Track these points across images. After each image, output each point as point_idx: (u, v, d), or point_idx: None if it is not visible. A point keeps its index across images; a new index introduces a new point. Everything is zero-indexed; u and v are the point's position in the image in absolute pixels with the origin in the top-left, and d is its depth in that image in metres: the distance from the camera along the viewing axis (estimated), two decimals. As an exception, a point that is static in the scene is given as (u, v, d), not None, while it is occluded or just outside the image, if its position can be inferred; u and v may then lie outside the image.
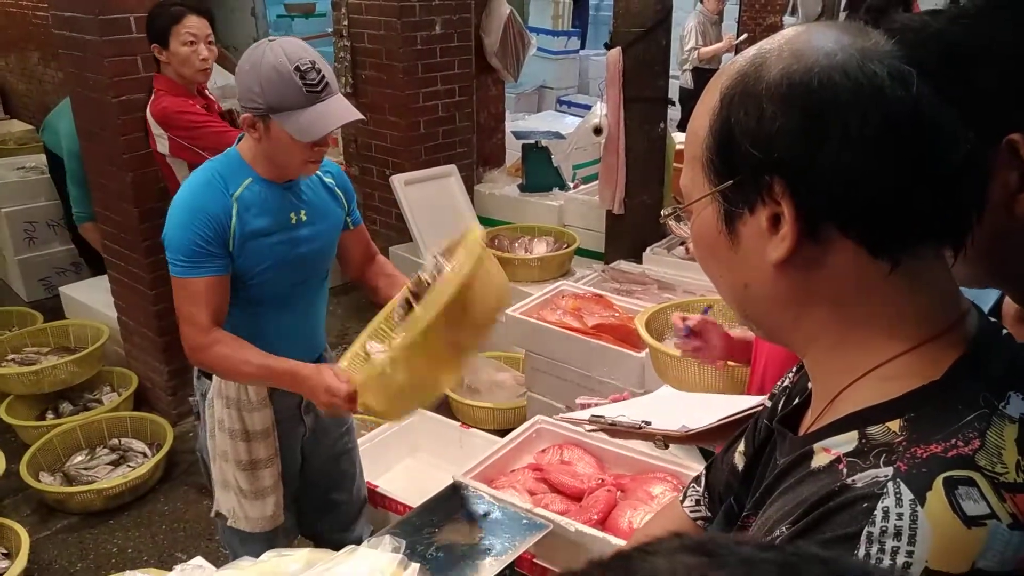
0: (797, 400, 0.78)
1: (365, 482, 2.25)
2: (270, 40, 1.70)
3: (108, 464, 3.14)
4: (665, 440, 1.28)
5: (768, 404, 0.86)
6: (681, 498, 1.01)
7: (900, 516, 0.53)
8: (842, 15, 5.16)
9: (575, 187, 4.33)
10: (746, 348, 1.72)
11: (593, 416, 1.36)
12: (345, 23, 4.11)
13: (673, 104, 3.55)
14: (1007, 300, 0.85)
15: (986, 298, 0.85)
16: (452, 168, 4.16)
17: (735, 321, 2.32)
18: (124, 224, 3.21)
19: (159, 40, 2.72)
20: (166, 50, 2.72)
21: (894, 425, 0.59)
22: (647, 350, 2.32)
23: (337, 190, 1.95)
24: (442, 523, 1.70)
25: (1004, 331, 0.67)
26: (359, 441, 2.38)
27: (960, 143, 0.58)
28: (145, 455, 3.19)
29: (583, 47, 9.06)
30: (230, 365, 1.74)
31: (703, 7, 6.47)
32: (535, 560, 1.78)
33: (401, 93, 4.02)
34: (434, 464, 2.63)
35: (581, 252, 3.77)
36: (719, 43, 6.45)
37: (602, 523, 1.82)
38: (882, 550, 0.53)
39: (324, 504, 2.14)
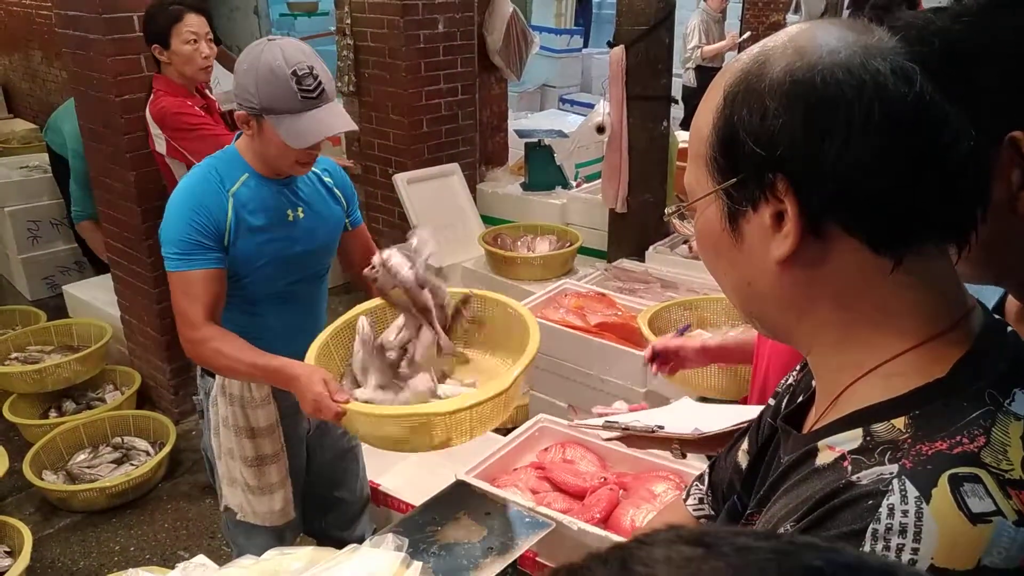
0: (801, 398, 0.78)
1: (368, 481, 2.25)
2: (270, 39, 1.69)
3: (111, 462, 3.14)
4: (681, 448, 1.28)
5: (772, 402, 0.86)
6: (684, 496, 1.01)
7: (905, 513, 0.53)
8: (845, 13, 5.14)
9: (578, 186, 4.32)
10: (737, 351, 1.73)
11: (607, 422, 1.36)
12: (348, 22, 4.11)
13: (676, 102, 3.54)
14: (1010, 298, 0.85)
15: (989, 295, 0.84)
16: (455, 167, 4.16)
17: (737, 320, 2.32)
18: (127, 223, 3.22)
19: (160, 40, 2.72)
20: (167, 50, 2.72)
21: (899, 422, 0.59)
22: (650, 349, 2.31)
23: (336, 190, 1.94)
24: (445, 521, 1.70)
25: (1009, 328, 0.66)
26: (361, 440, 2.39)
27: (963, 140, 0.58)
28: (148, 453, 3.20)
29: (586, 45, 9.06)
30: (223, 361, 1.73)
31: (706, 5, 6.47)
32: (537, 559, 1.78)
33: (404, 92, 4.02)
34: (436, 462, 2.62)
35: (584, 251, 3.77)
36: (722, 41, 6.45)
37: (604, 522, 1.82)
38: (887, 547, 0.53)
39: (327, 501, 2.15)
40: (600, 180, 3.65)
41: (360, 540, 1.46)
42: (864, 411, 0.61)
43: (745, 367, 1.96)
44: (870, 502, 0.55)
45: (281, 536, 1.98)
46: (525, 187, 4.33)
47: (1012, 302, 0.85)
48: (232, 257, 1.75)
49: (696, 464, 1.95)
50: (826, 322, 0.65)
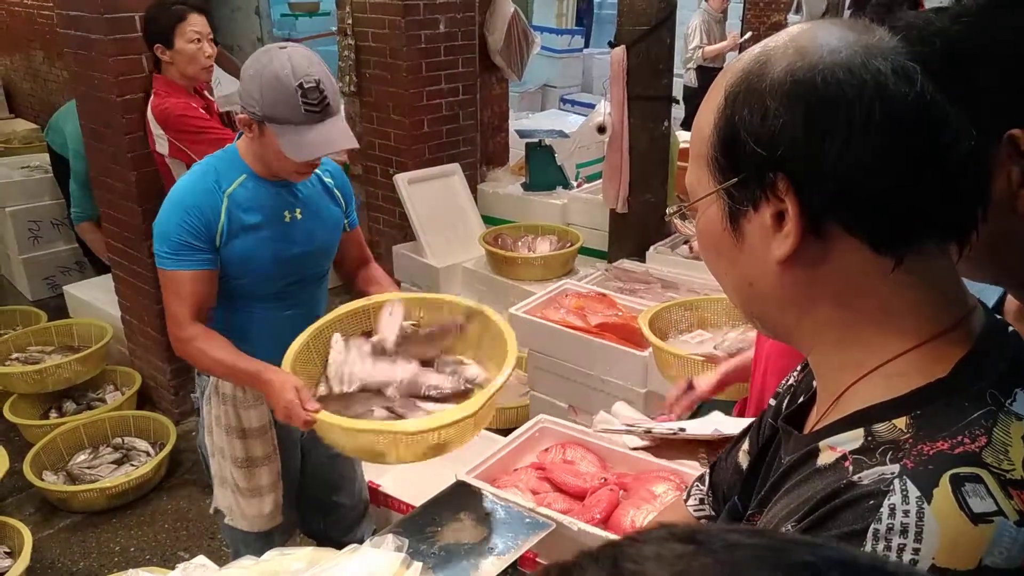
0: (802, 398, 0.78)
1: (367, 484, 2.24)
2: (281, 47, 1.68)
3: (111, 463, 3.14)
4: (707, 455, 1.28)
5: (773, 402, 0.86)
6: (685, 497, 1.01)
7: (907, 513, 0.53)
8: (846, 13, 5.14)
9: (579, 186, 4.32)
10: (742, 371, 1.75)
11: (628, 425, 1.37)
12: (349, 22, 4.11)
13: (677, 102, 3.53)
14: (1009, 297, 0.85)
15: (989, 294, 0.84)
16: (456, 167, 4.16)
17: (738, 320, 2.32)
18: (128, 223, 3.22)
19: (163, 39, 2.72)
20: (170, 49, 2.72)
21: (900, 422, 0.59)
22: (650, 349, 2.31)
23: (336, 191, 1.93)
24: (445, 522, 1.69)
25: (1010, 328, 0.66)
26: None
27: (964, 139, 0.58)
28: (148, 454, 3.20)
29: (587, 46, 9.06)
30: (204, 360, 1.75)
31: (707, 5, 6.46)
32: (538, 559, 1.77)
33: (405, 92, 4.02)
34: (436, 463, 2.62)
35: (584, 251, 3.77)
36: (723, 42, 6.44)
37: (605, 522, 1.81)
38: (888, 547, 0.53)
39: (325, 505, 2.14)
40: (601, 180, 3.64)
41: (360, 542, 1.46)
42: (865, 411, 0.61)
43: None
44: (871, 502, 0.55)
45: (270, 539, 1.98)
46: (526, 187, 4.32)
47: (1011, 301, 0.85)
48: (227, 257, 1.75)
49: (697, 465, 1.95)
50: (827, 322, 0.64)
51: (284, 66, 1.62)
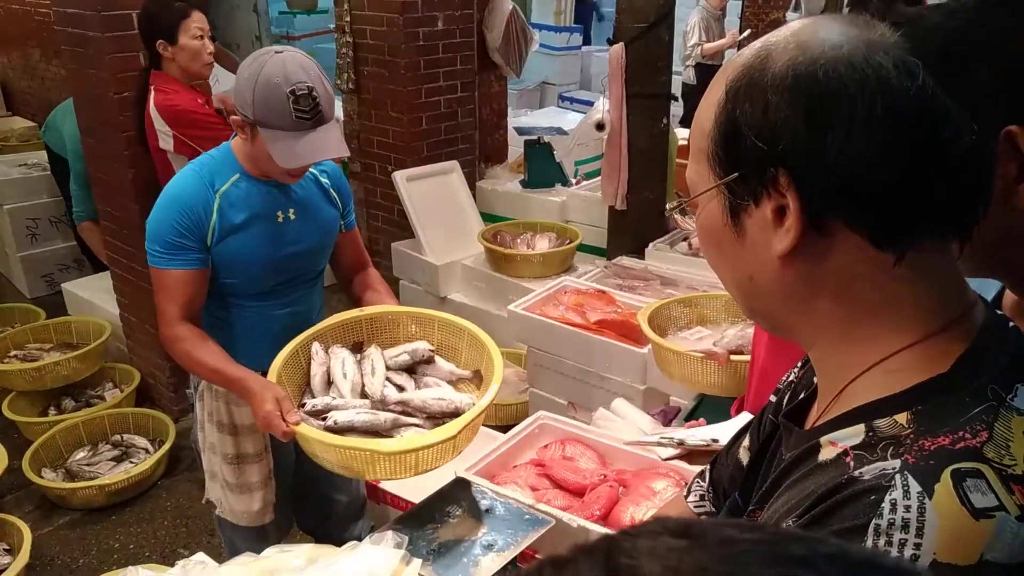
0: (803, 395, 0.78)
1: (364, 483, 2.24)
2: (277, 51, 1.67)
3: (110, 460, 3.14)
4: None
5: (773, 399, 0.86)
6: (685, 493, 1.01)
7: (908, 508, 0.53)
8: (845, 11, 5.14)
9: (577, 183, 4.32)
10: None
11: (662, 438, 1.37)
12: (347, 19, 4.11)
13: (676, 100, 3.53)
14: (1007, 292, 0.85)
15: (988, 289, 0.84)
16: (454, 164, 4.16)
17: (737, 317, 2.32)
18: (125, 220, 3.21)
19: (166, 35, 2.71)
20: (173, 45, 2.72)
21: (901, 418, 0.59)
22: (650, 346, 2.31)
23: (332, 191, 1.92)
24: (444, 519, 1.69)
25: (1011, 323, 0.66)
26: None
27: (965, 134, 0.58)
28: (147, 451, 3.20)
29: (587, 43, 9.05)
30: (189, 362, 1.75)
31: (706, 3, 6.46)
32: (537, 556, 1.77)
33: (403, 89, 4.01)
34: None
35: (583, 248, 3.77)
36: (722, 39, 6.44)
37: (604, 519, 1.81)
38: (890, 542, 0.53)
39: (322, 503, 2.14)
40: (600, 177, 3.64)
41: (359, 539, 1.46)
42: (866, 407, 0.61)
43: (744, 365, 1.96)
44: (872, 497, 0.55)
45: (264, 535, 1.98)
46: (525, 184, 4.32)
47: (1009, 296, 0.85)
48: (218, 256, 1.75)
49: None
50: (828, 317, 0.64)
51: (277, 72, 1.61)
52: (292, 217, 1.82)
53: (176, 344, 1.74)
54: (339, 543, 1.44)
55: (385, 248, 4.18)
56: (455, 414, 1.69)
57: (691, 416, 2.30)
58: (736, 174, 0.63)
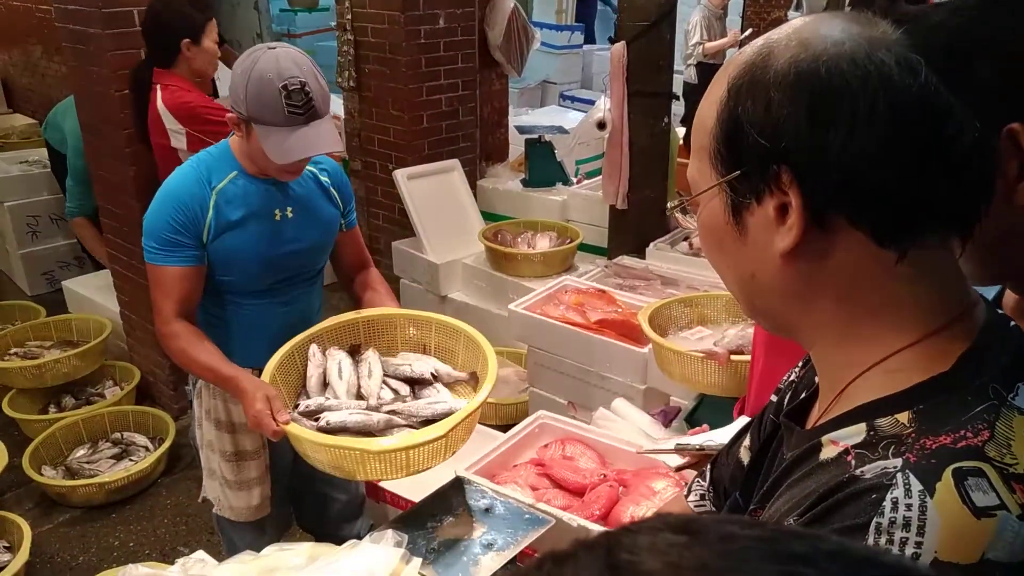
0: (804, 394, 0.77)
1: (364, 481, 2.24)
2: (270, 47, 1.67)
3: (110, 458, 3.14)
4: None
5: (774, 399, 0.86)
6: (686, 492, 1.01)
7: (909, 507, 0.53)
8: (847, 9, 5.13)
9: (578, 182, 4.32)
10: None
11: (679, 445, 1.36)
12: (348, 17, 4.11)
13: (677, 99, 3.53)
14: (1008, 291, 0.85)
15: (988, 289, 0.84)
16: (455, 163, 4.15)
17: (738, 317, 2.32)
18: (126, 218, 3.21)
19: (193, 35, 2.71)
20: (196, 46, 2.72)
21: (903, 417, 0.59)
22: (650, 345, 2.31)
23: (332, 189, 1.92)
24: (444, 518, 1.69)
25: (1012, 323, 0.66)
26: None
27: (967, 131, 0.58)
28: (147, 449, 3.20)
29: (592, 42, 9.04)
30: (184, 359, 1.75)
31: (708, 2, 6.45)
32: (537, 555, 1.77)
33: (404, 87, 4.01)
34: (436, 459, 2.62)
35: (584, 247, 3.76)
36: (724, 38, 6.44)
37: (604, 518, 1.81)
38: (891, 541, 0.52)
39: (320, 501, 2.14)
40: (601, 177, 3.64)
41: (359, 538, 1.46)
42: (868, 406, 0.61)
43: (744, 365, 1.96)
44: (874, 496, 0.54)
45: (262, 530, 1.98)
46: (525, 183, 4.32)
47: (1010, 295, 0.85)
48: (214, 253, 1.74)
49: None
50: (829, 316, 0.64)
51: (269, 68, 1.61)
52: (290, 215, 1.81)
53: (171, 341, 1.74)
54: (338, 541, 1.44)
55: (386, 247, 4.18)
56: (448, 416, 1.69)
57: (691, 416, 2.30)
58: (738, 172, 0.62)
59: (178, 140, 2.74)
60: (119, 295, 3.53)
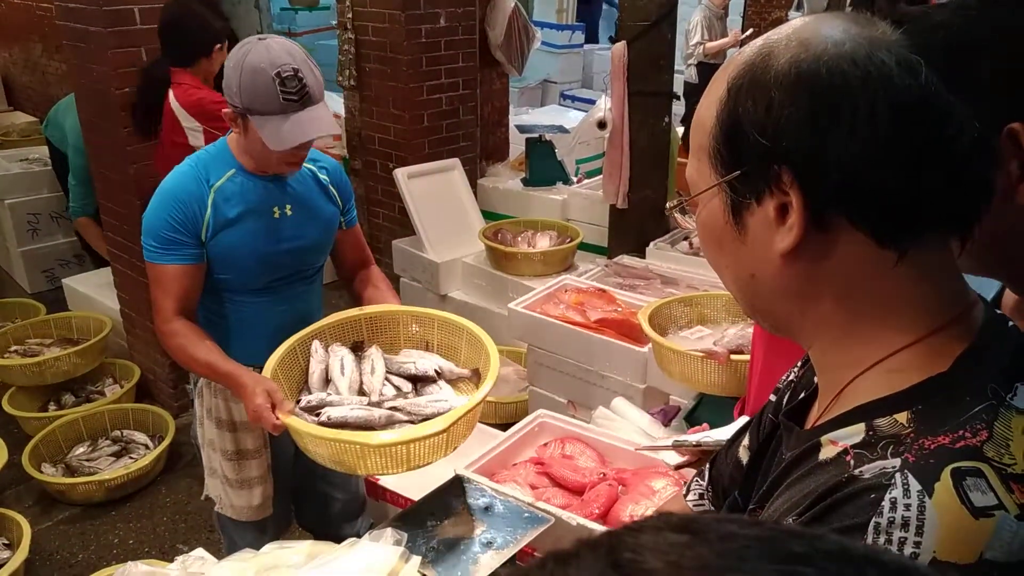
0: (803, 394, 0.78)
1: (363, 481, 2.24)
2: (260, 38, 1.67)
3: (110, 456, 3.14)
4: None
5: (773, 398, 0.86)
6: (685, 492, 1.01)
7: (908, 507, 0.53)
8: (847, 10, 5.13)
9: (579, 181, 4.32)
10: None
11: (676, 442, 1.36)
12: (349, 16, 4.11)
13: (678, 98, 3.53)
14: (1007, 291, 0.85)
15: (988, 289, 0.84)
16: (455, 162, 4.15)
17: (737, 317, 2.32)
18: (127, 216, 3.21)
19: (232, 39, 2.73)
20: (223, 51, 2.75)
21: (902, 417, 0.59)
22: (650, 345, 2.31)
23: (332, 188, 1.91)
24: (443, 516, 1.69)
25: (1010, 323, 0.66)
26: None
27: (967, 131, 0.58)
28: (147, 447, 3.20)
29: (595, 41, 9.04)
30: (183, 357, 1.76)
31: (709, 2, 6.45)
32: (536, 554, 1.78)
33: (405, 86, 4.01)
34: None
35: (584, 247, 3.76)
36: (725, 38, 6.44)
37: (603, 517, 1.81)
38: (889, 540, 0.53)
39: (321, 499, 2.14)
40: (601, 176, 3.64)
41: (359, 537, 1.46)
42: (866, 406, 0.61)
43: (744, 364, 1.96)
44: (872, 496, 0.55)
45: (263, 529, 1.98)
46: (526, 183, 4.32)
47: (1009, 295, 0.85)
48: (212, 251, 1.75)
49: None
50: (829, 316, 0.64)
51: (261, 57, 1.61)
52: (289, 213, 1.81)
53: (171, 339, 1.74)
54: (338, 540, 1.44)
55: (386, 245, 4.18)
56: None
57: (691, 415, 2.30)
58: (738, 172, 0.62)
59: (196, 138, 2.74)
60: (119, 293, 3.53)
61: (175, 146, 2.80)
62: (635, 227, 3.47)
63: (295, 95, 1.62)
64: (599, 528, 1.73)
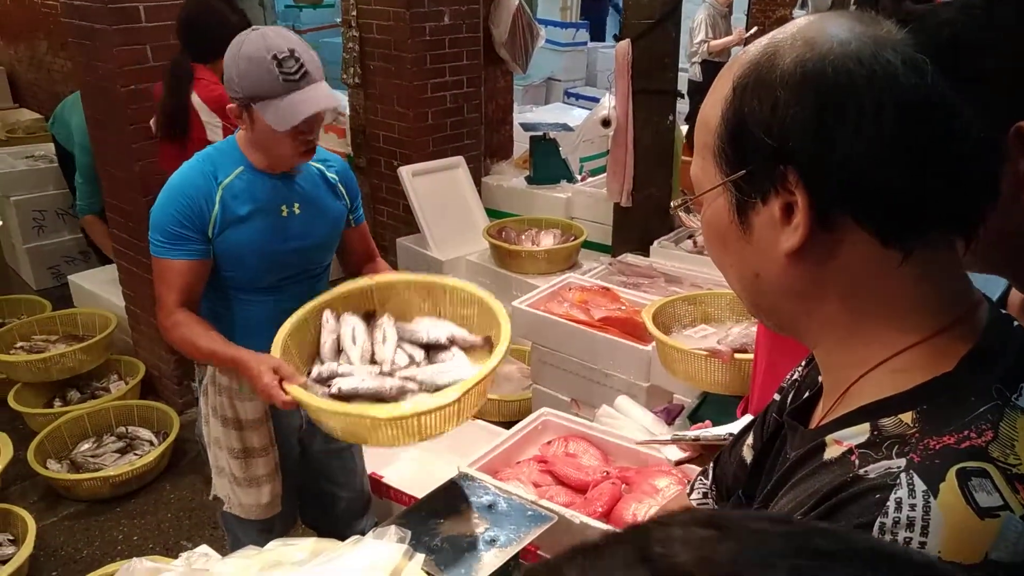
0: (807, 394, 0.77)
1: (368, 477, 2.24)
2: (253, 30, 1.69)
3: (115, 452, 3.15)
4: None
5: (777, 397, 0.86)
6: (688, 491, 1.01)
7: (913, 507, 0.53)
8: (851, 8, 5.11)
9: (583, 179, 4.32)
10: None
11: (675, 435, 1.36)
12: (354, 14, 4.11)
13: (682, 96, 3.53)
14: (1013, 290, 0.85)
15: (993, 289, 0.84)
16: (460, 160, 4.15)
17: (741, 316, 2.32)
18: (132, 213, 3.22)
19: None
20: None
21: (906, 417, 0.59)
22: (654, 343, 2.31)
23: (340, 186, 1.92)
24: (447, 514, 1.70)
25: (1015, 323, 0.66)
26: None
27: (973, 131, 0.58)
28: (152, 443, 3.21)
29: (601, 38, 9.03)
30: (186, 346, 1.76)
31: (713, 0, 6.44)
32: (539, 552, 1.78)
33: (409, 84, 4.01)
34: (439, 455, 2.63)
35: (588, 245, 3.76)
36: (729, 36, 6.43)
37: (607, 516, 1.81)
38: (894, 541, 0.53)
39: (325, 498, 2.14)
40: (605, 174, 3.64)
41: (363, 535, 1.46)
42: (871, 406, 0.61)
43: (748, 363, 1.96)
44: (877, 496, 0.54)
45: (270, 528, 1.98)
46: (530, 180, 4.32)
47: (1015, 295, 0.85)
48: (219, 248, 1.75)
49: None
50: (834, 316, 0.64)
51: (257, 45, 1.63)
52: (296, 211, 1.81)
53: (174, 330, 1.75)
54: (343, 538, 1.44)
55: (390, 243, 4.18)
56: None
57: (694, 414, 2.30)
58: (744, 171, 0.62)
59: (215, 133, 2.74)
60: (124, 290, 3.54)
61: (195, 142, 2.80)
62: (639, 225, 3.47)
63: (294, 74, 1.63)
64: (602, 527, 1.73)
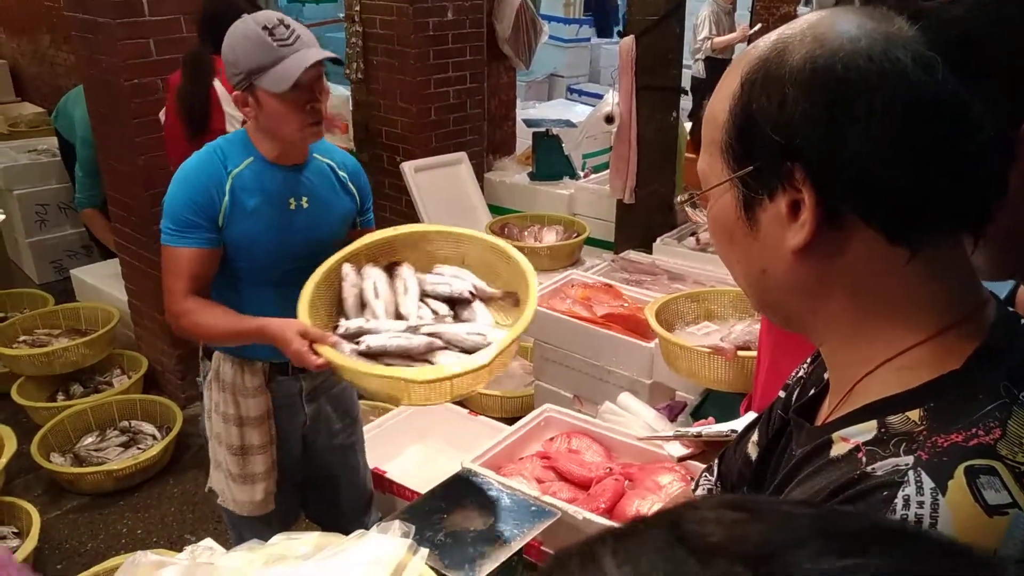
0: (813, 391, 0.77)
1: (371, 476, 2.25)
2: (244, 16, 1.71)
3: (118, 446, 3.16)
4: None
5: (782, 394, 0.86)
6: (693, 487, 1.01)
7: (921, 504, 0.53)
8: (857, 4, 5.10)
9: (585, 176, 4.31)
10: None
11: (678, 431, 1.37)
12: (357, 8, 4.10)
13: (686, 93, 3.52)
14: (1021, 288, 0.85)
15: (1002, 287, 0.84)
16: (462, 155, 4.15)
17: (744, 313, 2.32)
18: (135, 207, 3.22)
19: None
20: None
21: (914, 414, 0.59)
22: (656, 340, 2.31)
23: (351, 185, 1.92)
24: (451, 509, 1.70)
25: (1023, 320, 0.66)
26: (367, 427, 2.39)
27: (983, 129, 0.57)
28: (155, 437, 3.22)
29: (607, 35, 9.00)
30: (202, 330, 1.76)
31: (717, -4, 6.43)
32: (543, 547, 1.78)
33: (412, 79, 4.01)
34: (442, 451, 2.64)
35: (591, 241, 3.76)
36: (733, 33, 6.41)
37: (609, 512, 1.82)
38: None
39: (328, 495, 2.15)
40: (608, 171, 3.63)
41: (367, 529, 1.46)
42: (879, 403, 0.61)
43: (751, 360, 1.96)
44: (885, 493, 0.54)
45: (268, 524, 1.99)
46: (533, 177, 4.32)
47: (1023, 292, 0.85)
48: (228, 239, 1.75)
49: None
50: (840, 313, 0.64)
51: (247, 23, 1.66)
52: (304, 205, 1.82)
53: (184, 318, 1.74)
54: (346, 533, 1.44)
55: (392, 239, 4.18)
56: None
57: (697, 411, 2.31)
58: (751, 167, 0.62)
59: (233, 125, 2.73)
60: (127, 284, 3.54)
61: (214, 134, 2.78)
62: (642, 222, 3.47)
63: (287, 39, 1.66)
64: (606, 522, 1.73)
